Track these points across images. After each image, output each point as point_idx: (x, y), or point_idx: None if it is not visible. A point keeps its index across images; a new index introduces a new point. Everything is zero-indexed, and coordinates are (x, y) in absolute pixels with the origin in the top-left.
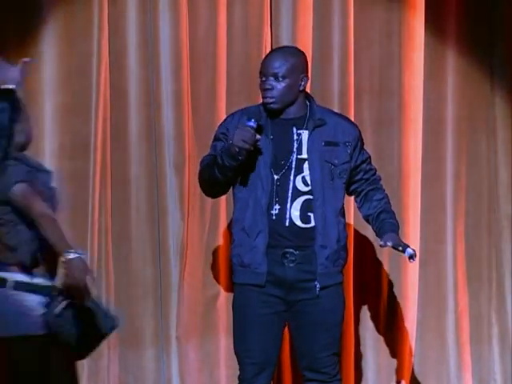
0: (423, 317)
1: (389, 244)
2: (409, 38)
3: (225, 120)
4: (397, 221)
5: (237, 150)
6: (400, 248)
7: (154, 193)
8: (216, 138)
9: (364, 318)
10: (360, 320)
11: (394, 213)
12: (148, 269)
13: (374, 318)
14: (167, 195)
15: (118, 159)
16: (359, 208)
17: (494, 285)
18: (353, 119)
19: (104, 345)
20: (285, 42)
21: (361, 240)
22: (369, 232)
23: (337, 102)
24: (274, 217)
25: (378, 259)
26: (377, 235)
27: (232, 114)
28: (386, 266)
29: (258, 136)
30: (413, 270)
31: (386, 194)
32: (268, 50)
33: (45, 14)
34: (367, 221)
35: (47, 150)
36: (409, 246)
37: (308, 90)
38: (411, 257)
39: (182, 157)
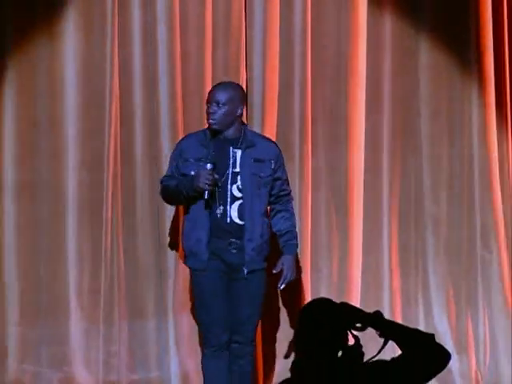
0: (365, 296)
1: (278, 270)
2: (353, 75)
3: (178, 143)
4: (297, 240)
5: (201, 190)
6: (281, 279)
7: (155, 198)
8: (172, 161)
9: (314, 294)
10: (309, 297)
11: (296, 232)
12: (151, 257)
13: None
14: None
15: (126, 171)
16: (271, 221)
17: (420, 269)
18: (310, 140)
19: (115, 316)
20: (256, 80)
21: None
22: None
23: (298, 124)
24: (218, 215)
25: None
26: (280, 249)
27: (183, 139)
28: (336, 254)
29: (216, 176)
30: (357, 257)
31: (293, 214)
32: (244, 61)
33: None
34: (275, 234)
35: (71, 164)
36: (284, 281)
37: (275, 113)
38: (278, 286)
39: None
